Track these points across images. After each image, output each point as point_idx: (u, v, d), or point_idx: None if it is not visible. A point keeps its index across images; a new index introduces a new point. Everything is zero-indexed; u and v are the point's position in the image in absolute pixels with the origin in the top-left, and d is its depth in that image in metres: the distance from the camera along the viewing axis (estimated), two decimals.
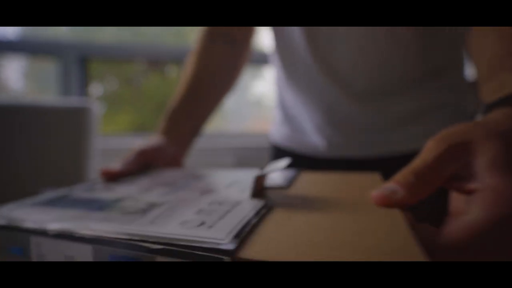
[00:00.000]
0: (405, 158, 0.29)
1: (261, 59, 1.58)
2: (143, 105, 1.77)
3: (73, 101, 1.11)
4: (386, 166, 0.41)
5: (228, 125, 1.80)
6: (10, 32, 1.56)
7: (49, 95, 1.66)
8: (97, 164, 1.14)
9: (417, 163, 0.22)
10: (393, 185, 0.21)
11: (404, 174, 0.21)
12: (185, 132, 0.53)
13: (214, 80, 0.56)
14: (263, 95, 1.91)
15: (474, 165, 0.20)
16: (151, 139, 0.48)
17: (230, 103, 1.74)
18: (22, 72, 1.69)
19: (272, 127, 0.69)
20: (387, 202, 0.20)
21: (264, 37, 0.69)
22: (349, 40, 0.50)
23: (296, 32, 0.53)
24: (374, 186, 0.24)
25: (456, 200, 0.22)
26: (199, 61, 0.56)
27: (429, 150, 0.22)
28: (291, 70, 0.58)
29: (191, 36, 1.83)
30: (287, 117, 0.63)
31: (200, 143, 1.10)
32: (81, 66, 1.60)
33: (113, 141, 1.54)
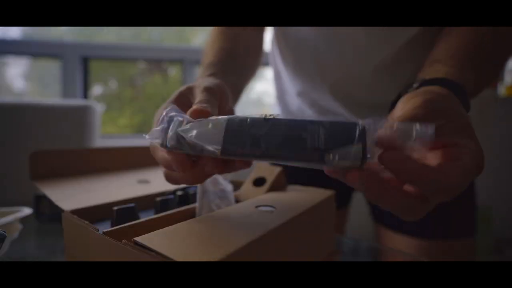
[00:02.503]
0: None
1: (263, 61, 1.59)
2: (144, 105, 1.77)
3: (75, 101, 1.12)
4: None
5: None
6: (12, 33, 1.57)
7: (50, 95, 1.67)
8: None
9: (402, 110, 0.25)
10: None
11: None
12: (230, 85, 0.42)
13: (246, 53, 0.55)
14: (263, 93, 1.92)
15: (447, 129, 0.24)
16: (204, 80, 0.37)
17: None
18: (24, 73, 1.70)
19: None
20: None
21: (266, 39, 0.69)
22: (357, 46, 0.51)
23: (307, 31, 0.53)
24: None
25: None
26: (231, 33, 0.54)
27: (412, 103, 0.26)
28: (296, 67, 0.58)
29: (191, 36, 1.84)
30: (288, 114, 0.64)
31: None
32: (82, 66, 1.61)
33: (113, 141, 1.55)
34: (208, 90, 0.31)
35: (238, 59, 0.51)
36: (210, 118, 0.25)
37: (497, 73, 0.42)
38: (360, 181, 0.21)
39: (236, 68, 0.49)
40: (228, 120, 0.23)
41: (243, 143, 0.22)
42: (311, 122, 0.22)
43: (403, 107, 0.26)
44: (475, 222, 0.58)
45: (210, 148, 0.23)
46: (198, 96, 0.30)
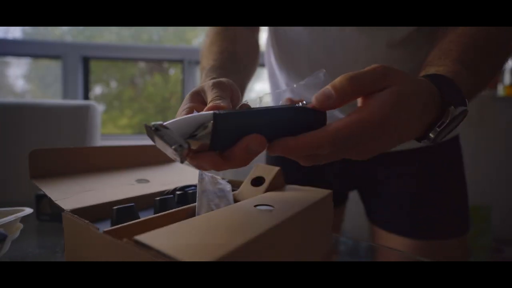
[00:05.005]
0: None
1: (261, 61, 1.59)
2: (144, 105, 1.78)
3: (75, 101, 1.12)
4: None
5: None
6: (12, 33, 1.57)
7: (51, 96, 1.68)
8: None
9: (354, 72, 0.27)
10: (330, 90, 0.26)
11: (341, 79, 0.26)
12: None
13: (246, 53, 0.55)
14: (263, 93, 1.92)
15: (374, 93, 0.26)
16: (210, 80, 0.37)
17: None
18: (24, 73, 1.70)
19: None
20: (322, 106, 0.26)
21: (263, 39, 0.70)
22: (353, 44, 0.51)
23: (300, 31, 0.54)
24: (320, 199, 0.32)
25: None
26: (228, 34, 0.53)
27: (368, 68, 0.27)
28: (288, 61, 0.59)
29: (191, 36, 1.84)
30: None
31: None
32: (83, 66, 1.61)
33: (113, 141, 1.55)
34: (218, 85, 0.31)
35: (238, 60, 0.51)
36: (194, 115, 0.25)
37: (495, 74, 0.42)
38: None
39: (238, 70, 0.50)
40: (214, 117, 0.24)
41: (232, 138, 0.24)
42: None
43: (394, 84, 0.27)
44: (468, 220, 0.58)
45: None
46: (210, 94, 0.30)
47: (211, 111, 0.24)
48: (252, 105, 0.30)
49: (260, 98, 0.31)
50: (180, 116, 0.28)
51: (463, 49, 0.38)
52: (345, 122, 0.25)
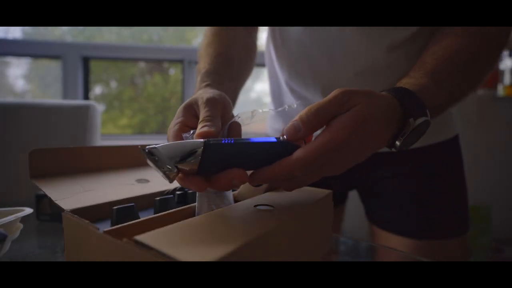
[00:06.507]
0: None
1: (261, 61, 1.59)
2: (144, 105, 1.78)
3: (75, 101, 1.12)
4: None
5: None
6: (12, 33, 1.57)
7: (51, 96, 1.68)
8: None
9: (319, 103, 0.29)
10: (298, 122, 0.29)
11: (307, 112, 0.29)
12: (229, 93, 0.43)
13: (241, 57, 0.55)
14: (263, 93, 1.92)
15: (337, 117, 0.29)
16: (205, 91, 0.38)
17: None
18: (24, 73, 1.70)
19: (267, 124, 0.70)
20: (293, 138, 0.29)
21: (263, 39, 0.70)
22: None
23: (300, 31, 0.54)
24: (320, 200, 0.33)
25: None
26: (225, 35, 0.54)
27: (331, 96, 0.29)
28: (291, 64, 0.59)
29: (191, 36, 1.84)
30: (283, 113, 0.64)
31: None
32: (83, 66, 1.61)
33: (113, 141, 1.55)
34: (210, 101, 0.33)
35: (234, 64, 0.52)
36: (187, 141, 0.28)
37: (474, 87, 0.44)
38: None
39: (233, 74, 0.51)
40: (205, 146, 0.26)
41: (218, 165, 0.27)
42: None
43: (354, 105, 0.30)
44: (468, 220, 0.58)
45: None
46: (201, 112, 0.33)
47: (202, 140, 0.26)
48: (244, 119, 0.34)
49: (253, 113, 0.34)
50: (173, 129, 0.32)
51: (438, 62, 0.40)
52: (311, 146, 0.27)
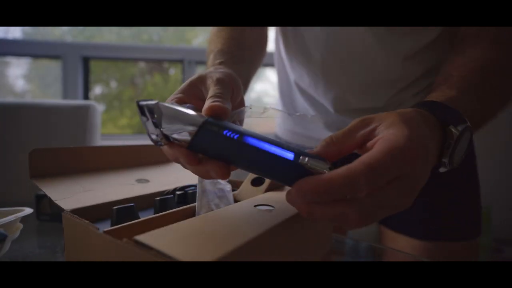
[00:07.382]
0: None
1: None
2: None
3: (75, 101, 1.12)
4: None
5: None
6: (12, 33, 1.57)
7: (51, 96, 1.68)
8: None
9: (340, 130, 0.26)
10: (333, 137, 0.25)
11: (337, 132, 0.26)
12: (242, 76, 0.40)
13: (253, 44, 0.54)
14: (263, 93, 1.92)
15: (377, 128, 0.25)
16: (216, 69, 0.35)
17: None
18: (24, 73, 1.70)
19: (276, 123, 0.70)
20: (324, 150, 0.25)
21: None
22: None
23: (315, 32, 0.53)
24: None
25: None
26: (234, 30, 0.52)
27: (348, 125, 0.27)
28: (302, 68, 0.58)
29: (191, 36, 1.84)
30: (294, 111, 0.64)
31: None
32: (83, 66, 1.61)
33: (113, 141, 1.55)
34: (221, 81, 0.30)
35: (246, 50, 0.50)
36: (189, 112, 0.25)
37: (505, 102, 0.40)
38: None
39: (245, 58, 0.48)
40: (203, 125, 0.24)
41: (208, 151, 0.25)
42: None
43: (385, 119, 0.26)
44: (480, 224, 0.56)
45: (179, 136, 0.24)
46: (212, 89, 0.29)
47: (202, 119, 0.24)
48: (254, 113, 0.30)
49: (265, 109, 0.30)
50: (170, 101, 0.28)
51: (466, 74, 0.36)
52: (374, 152, 0.22)
